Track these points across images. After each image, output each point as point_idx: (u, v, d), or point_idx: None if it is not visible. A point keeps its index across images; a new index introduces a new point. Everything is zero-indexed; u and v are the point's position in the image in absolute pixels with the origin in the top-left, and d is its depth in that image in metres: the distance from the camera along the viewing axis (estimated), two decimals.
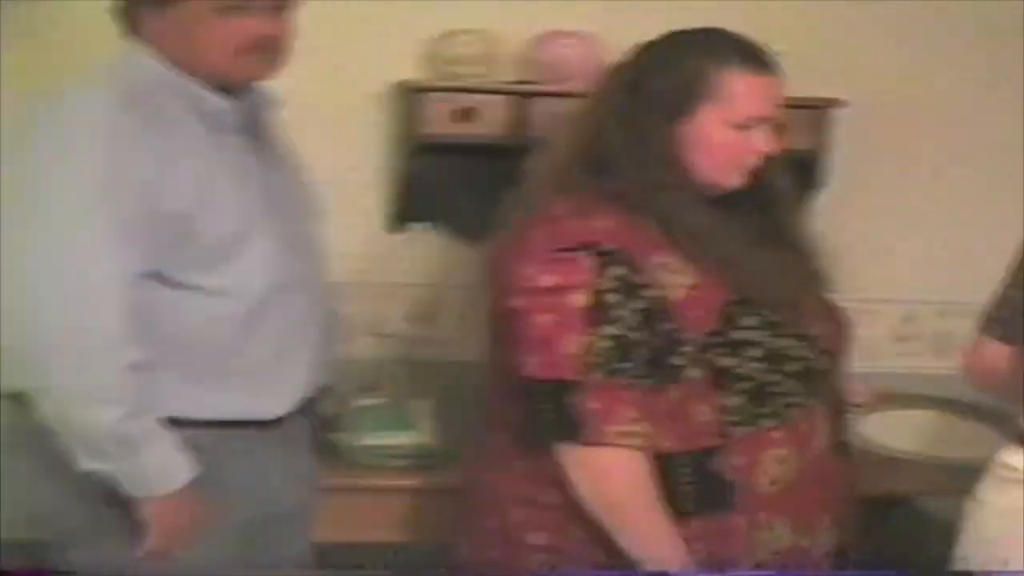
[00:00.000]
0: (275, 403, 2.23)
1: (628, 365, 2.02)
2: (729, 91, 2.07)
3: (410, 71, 3.04)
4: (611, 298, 2.02)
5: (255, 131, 2.24)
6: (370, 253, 3.15)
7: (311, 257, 2.30)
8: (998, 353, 2.35)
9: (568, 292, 2.02)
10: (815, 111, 3.08)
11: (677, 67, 2.09)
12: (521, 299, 2.06)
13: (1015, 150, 3.32)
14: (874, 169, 3.31)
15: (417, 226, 3.16)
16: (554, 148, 2.18)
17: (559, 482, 2.07)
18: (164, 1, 2.10)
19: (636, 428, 2.02)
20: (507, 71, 3.04)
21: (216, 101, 2.14)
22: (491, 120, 2.94)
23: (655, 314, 2.03)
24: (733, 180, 2.13)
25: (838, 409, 2.23)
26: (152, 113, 2.06)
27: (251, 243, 2.14)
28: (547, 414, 2.03)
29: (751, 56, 2.10)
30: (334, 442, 2.77)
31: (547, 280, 2.04)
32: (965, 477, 2.34)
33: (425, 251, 3.18)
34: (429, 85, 2.96)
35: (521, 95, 2.95)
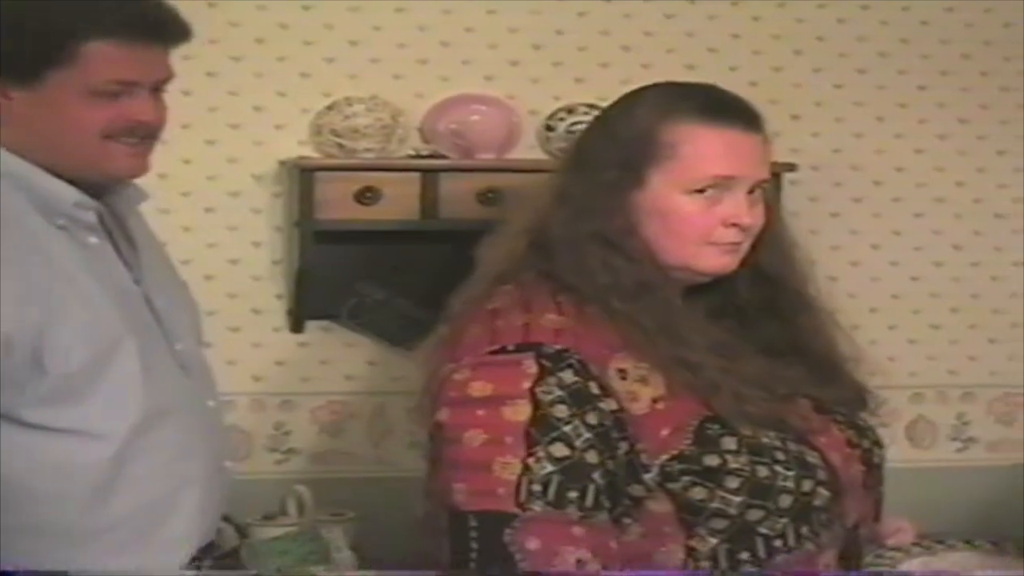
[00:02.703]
0: (153, 563, 2.03)
1: (576, 495, 1.82)
2: (681, 149, 1.91)
3: (298, 148, 2.97)
4: (557, 411, 1.83)
5: (120, 231, 2.10)
6: (265, 358, 3.05)
7: (197, 376, 2.14)
8: None
9: (504, 403, 1.83)
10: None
11: (622, 129, 1.95)
12: (448, 411, 1.87)
13: (976, 215, 3.27)
14: (825, 240, 3.20)
15: (318, 324, 3.05)
16: (505, 232, 2.04)
17: None
18: (18, 79, 1.95)
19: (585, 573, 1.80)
20: (409, 143, 2.98)
21: (66, 193, 1.99)
22: (395, 200, 2.87)
23: (611, 432, 1.84)
24: (708, 261, 1.95)
25: (852, 555, 2.02)
26: None
27: (115, 369, 1.97)
28: (476, 553, 1.82)
29: (713, 107, 1.94)
30: None
31: (479, 388, 1.85)
32: None
33: (329, 353, 3.08)
34: (321, 163, 2.91)
35: (428, 171, 2.89)
